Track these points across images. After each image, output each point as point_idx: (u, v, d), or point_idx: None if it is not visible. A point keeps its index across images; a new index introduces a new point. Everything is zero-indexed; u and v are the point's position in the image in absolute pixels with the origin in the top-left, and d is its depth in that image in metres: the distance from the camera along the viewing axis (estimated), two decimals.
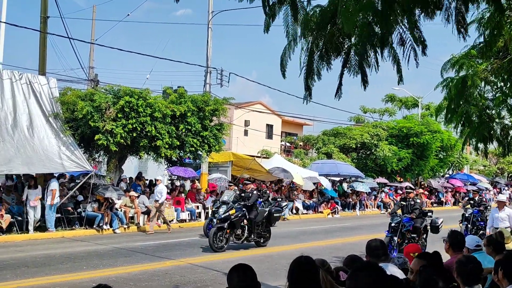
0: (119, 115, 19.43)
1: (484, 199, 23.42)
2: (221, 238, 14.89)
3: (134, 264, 12.53)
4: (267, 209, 16.77)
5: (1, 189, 18.35)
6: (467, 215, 19.11)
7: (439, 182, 44.99)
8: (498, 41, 7.31)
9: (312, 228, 22.22)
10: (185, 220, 22.51)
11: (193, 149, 21.79)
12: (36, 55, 20.87)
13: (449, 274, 5.37)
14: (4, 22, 21.54)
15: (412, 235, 14.77)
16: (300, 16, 5.58)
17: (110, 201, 19.22)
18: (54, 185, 17.69)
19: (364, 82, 5.90)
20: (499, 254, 6.25)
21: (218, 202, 17.95)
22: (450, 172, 51.39)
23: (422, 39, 5.45)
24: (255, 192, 16.40)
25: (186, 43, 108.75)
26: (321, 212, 30.05)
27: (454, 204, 43.50)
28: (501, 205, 12.97)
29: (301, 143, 44.93)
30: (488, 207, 21.16)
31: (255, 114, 38.21)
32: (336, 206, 31.01)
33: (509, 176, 59.61)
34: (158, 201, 19.46)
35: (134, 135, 19.78)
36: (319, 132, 41.92)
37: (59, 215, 18.00)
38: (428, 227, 15.36)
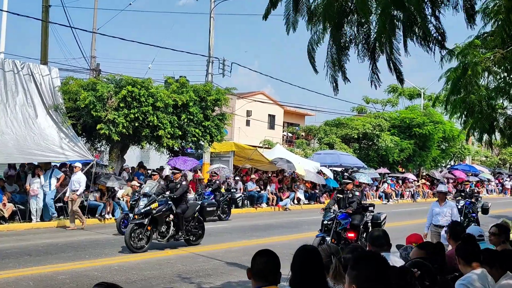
0: (121, 105, 19.43)
1: (475, 190, 22.36)
2: (140, 236, 12.66)
3: (136, 253, 12.57)
4: (199, 203, 14.98)
5: (4, 178, 18.39)
6: (459, 207, 17.93)
7: (441, 172, 45.02)
8: (510, 31, 7.23)
9: (313, 218, 22.21)
10: None
11: (195, 139, 21.82)
12: (38, 44, 20.88)
13: (451, 264, 5.38)
14: (6, 11, 21.46)
15: (349, 235, 12.54)
16: (303, 6, 5.51)
17: (112, 190, 19.26)
18: (59, 173, 17.94)
19: (400, 80, 5.87)
20: (502, 244, 6.28)
21: (136, 194, 16.25)
22: (452, 163, 51.38)
23: (442, 30, 5.41)
24: (184, 182, 13.95)
25: (188, 32, 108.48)
26: (323, 202, 30.06)
27: None
28: (441, 197, 11.48)
29: (303, 133, 44.93)
30: (479, 199, 20.35)
31: (257, 104, 38.20)
32: None
33: (511, 167, 59.60)
34: (75, 191, 16.88)
35: (136, 124, 19.79)
36: (321, 123, 41.92)
37: (61, 204, 18.05)
38: (369, 224, 13.22)
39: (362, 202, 13.44)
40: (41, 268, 10.57)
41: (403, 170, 41.45)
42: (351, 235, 12.41)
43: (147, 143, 21.57)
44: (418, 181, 41.04)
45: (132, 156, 26.82)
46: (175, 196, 13.35)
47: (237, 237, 15.87)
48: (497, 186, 50.96)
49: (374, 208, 13.85)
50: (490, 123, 9.49)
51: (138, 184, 20.81)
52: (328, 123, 40.29)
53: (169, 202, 13.29)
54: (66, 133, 19.00)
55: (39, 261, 11.22)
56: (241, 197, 24.18)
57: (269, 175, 29.77)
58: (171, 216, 13.38)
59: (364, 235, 12.92)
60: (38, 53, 21.09)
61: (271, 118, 44.89)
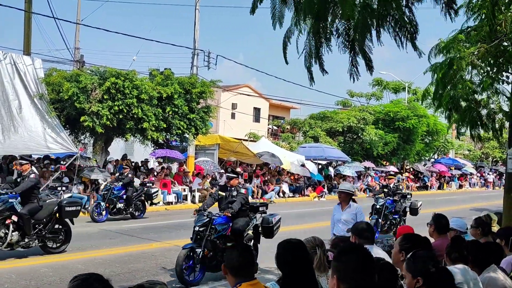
0: (105, 97, 19.29)
1: (401, 186, 17.99)
2: None
3: (120, 246, 12.52)
4: (56, 201, 11.66)
5: None
6: (377, 206, 15.43)
7: (425, 166, 45.45)
8: (495, 25, 7.29)
9: (296, 212, 22.32)
10: (171, 203, 22.52)
11: (180, 131, 21.74)
12: (21, 35, 20.62)
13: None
14: None
15: (228, 243, 9.63)
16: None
17: (96, 183, 19.13)
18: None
19: (370, 67, 5.86)
20: (485, 237, 6.33)
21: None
22: (436, 156, 51.85)
23: (415, 23, 5.43)
24: (32, 175, 10.94)
25: (173, 24, 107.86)
26: (307, 195, 30.20)
27: (439, 188, 44.10)
28: (344, 199, 8.42)
29: (288, 127, 45.01)
30: (408, 197, 17.44)
31: (243, 97, 38.15)
32: (323, 190, 31.21)
33: (493, 161, 60.28)
34: None
35: (120, 117, 19.66)
36: (306, 116, 42.02)
37: None
38: (260, 229, 10.66)
39: (248, 200, 10.81)
40: (23, 260, 10.48)
41: (387, 164, 41.75)
42: (229, 244, 9.61)
43: (131, 135, 21.45)
44: (402, 174, 41.35)
45: (117, 148, 26.69)
46: (15, 193, 10.69)
47: None
48: (480, 179, 51.54)
49: (267, 208, 11.35)
50: (480, 119, 9.59)
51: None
52: (313, 116, 40.40)
53: (10, 201, 10.64)
54: (50, 122, 18.82)
55: (21, 254, 11.08)
56: (156, 193, 19.81)
57: (254, 168, 29.81)
58: (14, 218, 10.64)
59: (251, 242, 10.32)
60: (21, 44, 20.83)
61: (256, 111, 44.88)
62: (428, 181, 43.86)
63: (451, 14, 5.56)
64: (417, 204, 16.50)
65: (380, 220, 14.98)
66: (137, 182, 21.53)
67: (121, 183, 17.94)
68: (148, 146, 23.43)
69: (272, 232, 10.52)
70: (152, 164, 27.89)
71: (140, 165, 25.32)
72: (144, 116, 19.97)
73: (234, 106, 39.80)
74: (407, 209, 16.47)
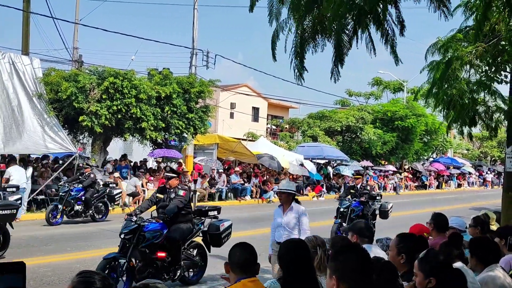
0: (104, 96, 19.30)
1: (368, 186, 16.39)
2: None
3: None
4: None
5: None
6: (342, 209, 13.83)
7: (423, 165, 45.50)
8: (486, 25, 7.32)
9: None
10: None
11: (179, 131, 21.74)
12: (19, 35, 20.62)
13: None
14: None
15: (159, 254, 8.42)
16: None
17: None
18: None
19: (340, 61, 5.87)
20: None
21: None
22: (434, 155, 51.88)
23: (401, 19, 5.46)
24: None
25: (172, 24, 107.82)
26: (306, 194, 30.20)
27: (438, 187, 44.16)
28: (286, 200, 7.41)
29: (287, 126, 44.99)
30: (378, 198, 15.39)
31: (241, 96, 38.14)
32: (322, 189, 31.23)
33: (492, 160, 60.33)
34: None
35: (119, 116, 19.66)
36: (305, 115, 42.04)
37: (43, 196, 17.89)
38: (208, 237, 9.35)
39: (191, 203, 9.52)
40: (22, 260, 10.44)
41: (386, 163, 41.77)
42: (161, 254, 8.39)
43: (130, 135, 21.44)
44: (400, 174, 41.36)
45: (115, 148, 26.68)
46: None
47: None
48: (478, 178, 51.60)
49: (219, 213, 9.93)
50: (472, 117, 9.59)
51: (117, 176, 20.75)
52: (312, 115, 40.41)
53: None
54: (49, 122, 18.81)
55: (20, 254, 11.10)
56: (119, 194, 18.47)
57: (252, 168, 29.81)
58: None
59: (195, 251, 9.23)
60: (19, 44, 20.84)
61: (255, 110, 44.87)
62: (427, 180, 43.88)
63: (442, 9, 5.59)
64: (387, 207, 14.94)
65: (344, 224, 12.95)
66: (138, 182, 21.54)
67: (80, 184, 16.55)
68: (147, 145, 23.43)
69: (220, 240, 9.15)
70: (151, 164, 27.89)
71: (139, 164, 25.32)
72: (142, 116, 19.98)
73: (232, 105, 39.80)
74: (377, 212, 14.72)
